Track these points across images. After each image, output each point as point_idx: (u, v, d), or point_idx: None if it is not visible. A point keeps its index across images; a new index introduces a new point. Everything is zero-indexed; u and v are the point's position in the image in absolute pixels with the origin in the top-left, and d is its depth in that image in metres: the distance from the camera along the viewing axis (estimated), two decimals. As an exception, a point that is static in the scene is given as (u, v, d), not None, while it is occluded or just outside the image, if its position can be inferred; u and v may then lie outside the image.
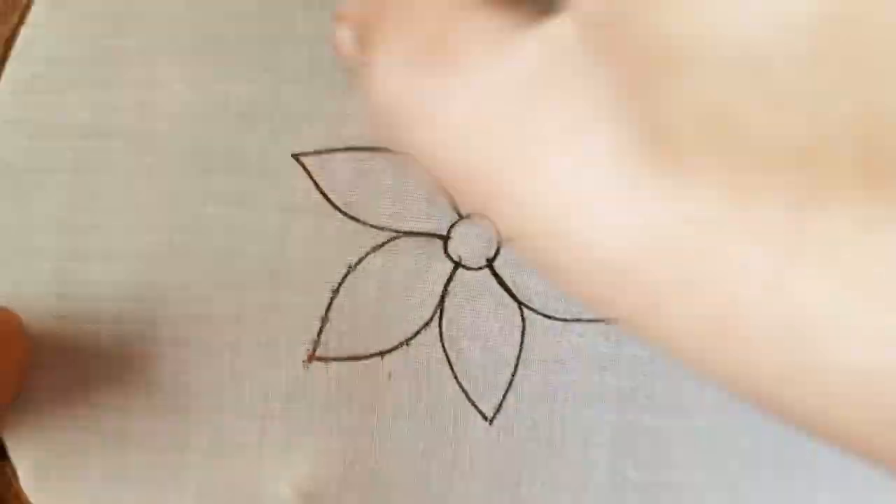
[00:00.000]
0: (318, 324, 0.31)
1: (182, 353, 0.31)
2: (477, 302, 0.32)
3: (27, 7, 0.31)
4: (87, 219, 0.31)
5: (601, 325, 0.32)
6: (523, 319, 0.32)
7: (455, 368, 0.32)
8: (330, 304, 0.31)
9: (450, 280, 0.32)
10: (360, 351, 0.31)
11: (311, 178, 0.31)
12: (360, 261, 0.31)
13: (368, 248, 0.31)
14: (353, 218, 0.31)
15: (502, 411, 0.32)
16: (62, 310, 0.31)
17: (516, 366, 0.32)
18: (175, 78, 0.31)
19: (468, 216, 0.32)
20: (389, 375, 0.31)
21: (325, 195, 0.31)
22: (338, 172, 0.31)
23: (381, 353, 0.31)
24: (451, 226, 0.32)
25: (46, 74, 0.31)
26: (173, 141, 0.31)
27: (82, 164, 0.31)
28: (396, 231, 0.31)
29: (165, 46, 0.31)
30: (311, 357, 0.31)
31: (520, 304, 0.32)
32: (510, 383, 0.32)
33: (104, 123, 0.31)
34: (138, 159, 0.31)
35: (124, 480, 0.31)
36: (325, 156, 0.31)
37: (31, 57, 0.31)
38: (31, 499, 0.31)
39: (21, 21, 0.31)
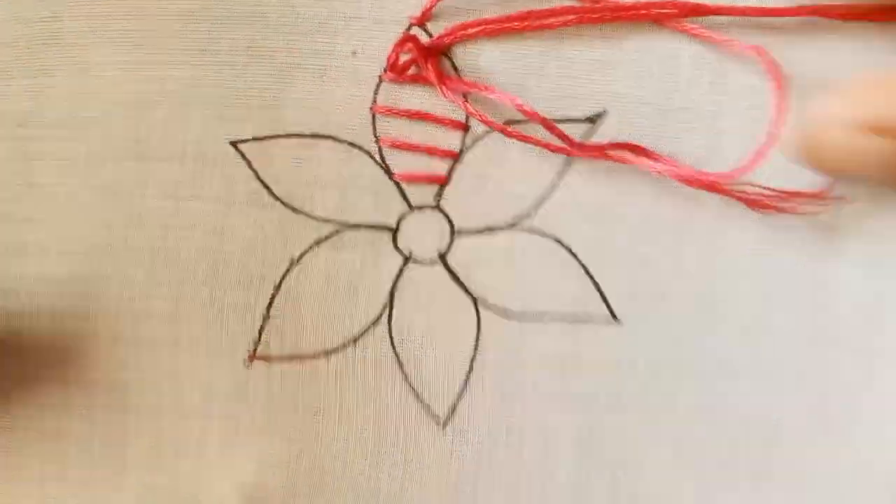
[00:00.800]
0: (259, 321, 0.29)
1: (121, 351, 0.30)
2: (429, 299, 0.30)
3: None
4: (23, 210, 0.29)
5: (562, 324, 0.30)
6: (478, 317, 0.30)
7: (405, 369, 0.30)
8: (271, 301, 0.29)
9: (399, 275, 0.30)
10: (304, 350, 0.30)
11: (249, 166, 0.29)
12: (302, 255, 0.29)
13: (312, 242, 0.29)
14: (295, 209, 0.29)
15: (456, 415, 0.30)
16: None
17: (471, 367, 0.30)
18: (111, 62, 0.29)
19: (419, 207, 0.29)
20: (335, 376, 0.30)
21: (264, 184, 0.29)
22: (278, 160, 0.29)
23: (327, 353, 0.30)
24: (401, 218, 0.29)
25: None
26: (109, 128, 0.29)
27: (19, 154, 0.29)
28: (342, 223, 0.29)
29: (101, 30, 0.29)
30: (253, 356, 0.30)
31: (475, 300, 0.30)
32: (464, 385, 0.30)
33: (39, 111, 0.29)
34: (74, 148, 0.29)
35: (64, 481, 0.30)
36: (264, 142, 0.29)
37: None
38: (-30, 499, 0.30)
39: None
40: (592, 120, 0.29)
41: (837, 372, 0.29)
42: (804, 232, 0.29)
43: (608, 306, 0.29)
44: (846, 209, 0.29)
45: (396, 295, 0.29)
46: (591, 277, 0.29)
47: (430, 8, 0.28)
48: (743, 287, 0.29)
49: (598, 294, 0.29)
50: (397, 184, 0.29)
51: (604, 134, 0.29)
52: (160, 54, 0.29)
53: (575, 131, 0.29)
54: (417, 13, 0.29)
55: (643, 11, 0.28)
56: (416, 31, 0.29)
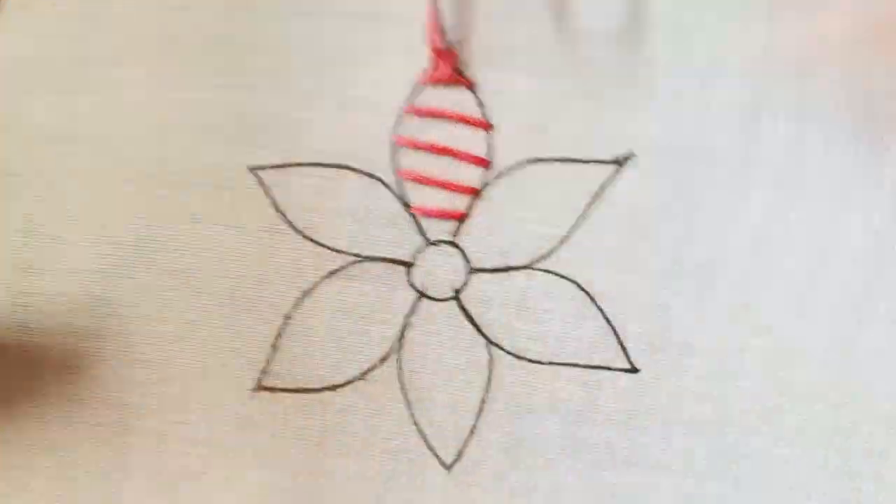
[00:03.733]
0: (268, 351, 0.29)
1: (129, 372, 0.29)
2: (440, 337, 0.29)
3: (-3, 8, 0.30)
4: (42, 228, 0.29)
5: (577, 370, 0.29)
6: (491, 359, 0.29)
7: (413, 408, 0.29)
8: (282, 331, 0.29)
9: (412, 311, 0.29)
10: (312, 383, 0.29)
11: (267, 193, 0.29)
12: (315, 286, 0.29)
13: (325, 273, 0.29)
14: (310, 239, 0.29)
15: (463, 459, 0.29)
16: (10, 321, 0.30)
17: (480, 410, 0.29)
18: (137, 83, 0.29)
19: (435, 242, 0.29)
20: (342, 411, 0.29)
21: (281, 213, 0.29)
22: (296, 189, 0.29)
23: (334, 387, 0.29)
24: (417, 252, 0.29)
25: (11, 76, 0.30)
26: (130, 149, 0.29)
27: (43, 172, 0.29)
28: (356, 255, 0.29)
29: (128, 52, 0.29)
30: (259, 387, 0.29)
31: (488, 341, 0.29)
32: (473, 429, 0.29)
33: (66, 128, 0.29)
34: (97, 167, 0.29)
35: (65, 499, 0.30)
36: (283, 170, 0.29)
37: (-5, 57, 0.30)
38: (-29, 513, 0.30)
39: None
40: (619, 162, 0.28)
41: (864, 435, 0.28)
42: (836, 289, 0.28)
43: (626, 355, 0.28)
44: None
45: (408, 331, 0.29)
46: (610, 324, 0.28)
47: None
48: (767, 343, 0.28)
49: (616, 342, 0.28)
50: (415, 217, 0.29)
51: (629, 177, 0.28)
52: (184, 78, 0.29)
53: (601, 173, 0.28)
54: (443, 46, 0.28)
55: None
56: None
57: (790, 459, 0.28)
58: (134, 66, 0.29)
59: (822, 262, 0.28)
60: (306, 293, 0.29)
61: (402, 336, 0.29)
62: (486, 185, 0.29)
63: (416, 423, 0.29)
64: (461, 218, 0.29)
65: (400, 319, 0.29)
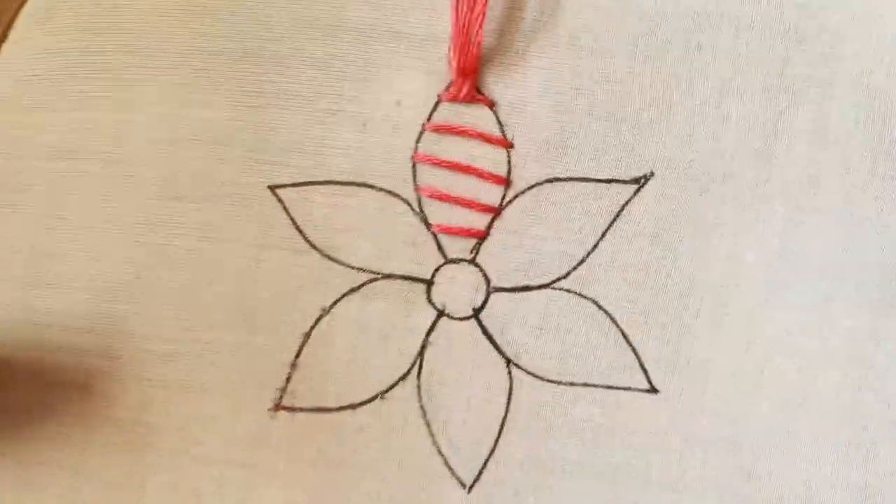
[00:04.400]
0: (287, 370, 0.29)
1: (144, 391, 0.29)
2: (460, 356, 0.29)
3: (10, 24, 0.30)
4: (56, 245, 0.29)
5: (598, 391, 0.28)
6: (511, 378, 0.29)
7: (432, 428, 0.29)
8: (300, 350, 0.29)
9: (431, 330, 0.29)
10: (330, 402, 0.29)
11: (286, 212, 0.29)
12: (334, 304, 0.29)
13: (345, 291, 0.29)
14: (329, 257, 0.29)
15: (482, 480, 0.29)
16: (25, 339, 0.29)
17: (500, 430, 0.29)
18: (152, 99, 0.29)
19: (455, 260, 0.29)
20: (360, 430, 0.29)
21: (300, 231, 0.29)
22: (316, 207, 0.29)
23: (353, 406, 0.29)
24: (436, 270, 0.29)
25: (22, 92, 0.29)
26: (146, 165, 0.29)
27: (53, 187, 0.29)
28: (376, 273, 0.29)
29: (143, 67, 0.29)
30: (278, 406, 0.29)
31: (508, 361, 0.29)
32: (493, 449, 0.29)
33: (76, 145, 0.29)
34: (109, 183, 0.29)
35: (78, 521, 0.29)
36: (303, 189, 0.29)
37: (6, 73, 0.29)
38: (-17, 533, 0.29)
39: (3, 38, 0.30)
40: (639, 181, 0.28)
41: (884, 454, 0.28)
42: (853, 307, 0.28)
43: (646, 375, 0.28)
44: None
45: (427, 350, 0.29)
46: (630, 344, 0.28)
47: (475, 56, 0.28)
48: (787, 363, 0.28)
49: (636, 362, 0.28)
50: (434, 235, 0.29)
51: (648, 196, 0.28)
52: (201, 94, 0.29)
53: (621, 193, 0.28)
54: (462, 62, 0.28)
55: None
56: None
57: (809, 479, 0.28)
58: (146, 83, 0.29)
59: (838, 280, 0.28)
60: (325, 311, 0.29)
61: (421, 355, 0.29)
62: (505, 203, 0.29)
63: (435, 444, 0.29)
64: (481, 236, 0.29)
65: (419, 338, 0.29)
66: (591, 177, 0.28)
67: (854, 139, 0.28)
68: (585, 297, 0.28)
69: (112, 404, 0.29)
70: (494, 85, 0.28)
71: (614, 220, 0.28)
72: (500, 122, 0.28)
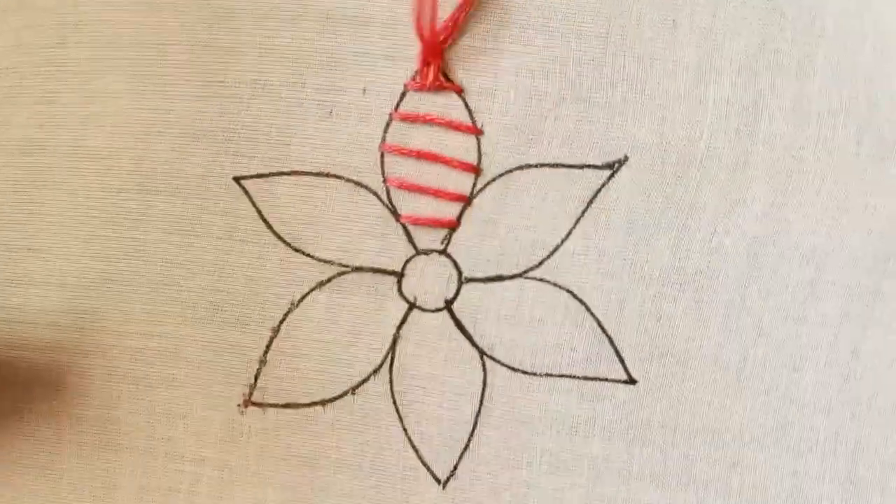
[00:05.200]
0: (256, 365, 0.28)
1: (115, 388, 0.29)
2: (433, 349, 0.28)
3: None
4: (27, 241, 0.29)
5: (573, 382, 0.28)
6: (485, 371, 0.28)
7: (405, 423, 0.28)
8: (269, 345, 0.28)
9: (403, 322, 0.28)
10: (300, 398, 0.28)
11: (253, 204, 0.28)
12: (303, 297, 0.28)
13: (313, 284, 0.28)
14: (297, 250, 0.28)
15: (457, 474, 0.28)
16: (-4, 336, 0.29)
17: (475, 423, 0.28)
18: (115, 91, 0.28)
19: (425, 251, 0.28)
20: (332, 426, 0.28)
21: (267, 223, 0.28)
22: (282, 198, 0.28)
23: (323, 402, 0.28)
24: (407, 261, 0.28)
25: (-12, 86, 0.29)
26: (113, 159, 0.28)
27: (23, 182, 0.29)
28: (345, 266, 0.28)
29: (107, 58, 0.28)
30: (248, 402, 0.28)
31: (481, 353, 0.28)
32: (468, 443, 0.28)
33: (44, 139, 0.29)
34: (78, 178, 0.29)
35: (52, 521, 0.29)
36: (269, 179, 0.28)
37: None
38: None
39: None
40: (612, 166, 0.27)
41: (871, 445, 0.27)
42: (839, 294, 0.27)
43: (624, 365, 0.28)
44: None
45: (399, 343, 0.28)
46: (607, 334, 0.28)
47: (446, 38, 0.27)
48: (769, 352, 0.27)
49: (613, 352, 0.28)
50: (404, 226, 0.28)
51: (622, 181, 0.27)
52: (165, 85, 0.28)
53: (594, 178, 0.27)
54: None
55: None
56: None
57: (795, 471, 0.27)
58: (112, 73, 0.28)
59: (822, 266, 0.27)
60: (294, 305, 0.28)
61: (393, 349, 0.28)
62: (476, 192, 0.28)
63: (409, 438, 0.28)
64: (452, 226, 0.28)
65: (391, 331, 0.28)
66: (564, 162, 0.27)
67: (837, 118, 0.27)
68: (560, 287, 0.28)
69: (83, 402, 0.29)
70: (463, 71, 0.28)
71: (588, 206, 0.27)
72: (469, 109, 0.28)
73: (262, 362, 0.28)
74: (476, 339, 0.28)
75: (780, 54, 0.27)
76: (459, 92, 0.28)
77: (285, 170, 0.28)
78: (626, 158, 0.27)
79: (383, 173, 0.28)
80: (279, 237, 0.28)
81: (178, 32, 0.28)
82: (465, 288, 0.28)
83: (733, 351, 0.27)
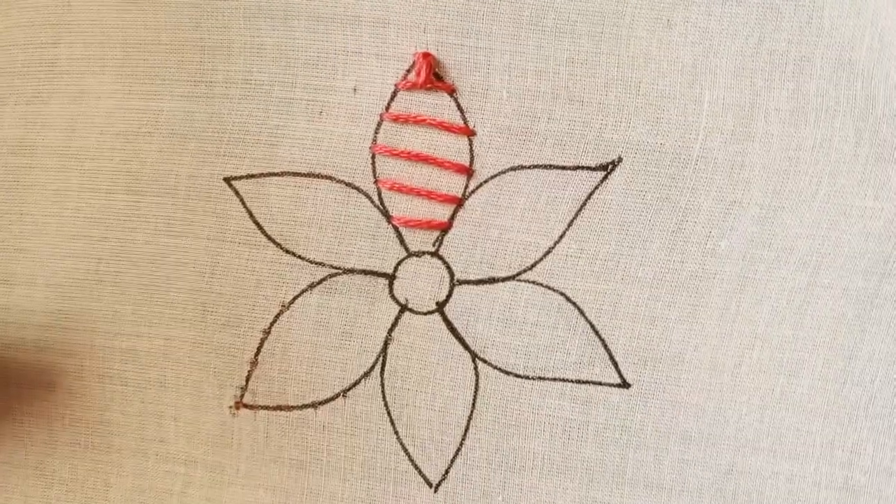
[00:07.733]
0: (247, 367, 0.28)
1: (106, 389, 0.29)
2: (425, 351, 0.28)
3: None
4: (17, 241, 0.29)
5: (567, 385, 0.27)
6: (477, 374, 0.28)
7: (397, 425, 0.28)
8: (260, 346, 0.28)
9: (394, 325, 0.28)
10: (291, 400, 0.28)
11: (243, 204, 0.28)
12: (294, 299, 0.28)
13: (304, 286, 0.28)
14: (288, 251, 0.28)
15: (449, 478, 0.28)
16: (-15, 337, 0.29)
17: (467, 427, 0.28)
18: (105, 91, 0.28)
19: (417, 253, 0.28)
20: (323, 429, 0.28)
21: (258, 224, 0.28)
22: (273, 199, 0.28)
23: (315, 405, 0.28)
24: (399, 263, 0.28)
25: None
26: (102, 159, 0.28)
27: (13, 182, 0.29)
28: (336, 267, 0.28)
29: (97, 58, 0.28)
30: (238, 404, 0.28)
31: (473, 355, 0.28)
32: (460, 446, 0.28)
33: (33, 139, 0.28)
34: (67, 178, 0.28)
35: (43, 522, 0.29)
36: (259, 180, 0.28)
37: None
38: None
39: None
40: (606, 167, 0.27)
41: (867, 450, 0.27)
42: (836, 297, 0.27)
43: (617, 369, 0.27)
44: None
45: (391, 346, 0.28)
46: (600, 337, 0.27)
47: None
48: (764, 356, 0.27)
49: (606, 355, 0.27)
50: (396, 228, 0.28)
51: (615, 183, 0.27)
52: (155, 85, 0.28)
53: (587, 180, 0.27)
54: (422, 49, 0.27)
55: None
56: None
57: (791, 475, 0.27)
58: (102, 74, 0.28)
59: (819, 269, 0.27)
60: (285, 307, 0.28)
61: (384, 351, 0.28)
62: (468, 193, 0.27)
63: (400, 442, 0.28)
64: (444, 228, 0.28)
65: (382, 334, 0.28)
66: (557, 164, 0.27)
67: (835, 119, 0.26)
68: (553, 290, 0.27)
69: (75, 403, 0.29)
70: (455, 70, 0.27)
71: (581, 208, 0.27)
72: (460, 109, 0.27)
73: (253, 364, 0.28)
74: (468, 341, 0.28)
75: (777, 54, 0.26)
76: (451, 91, 0.27)
77: (276, 170, 0.28)
78: (619, 160, 0.27)
79: (374, 174, 0.28)
80: (270, 238, 0.28)
81: (168, 32, 0.28)
82: (458, 290, 0.28)
83: (728, 355, 0.27)
